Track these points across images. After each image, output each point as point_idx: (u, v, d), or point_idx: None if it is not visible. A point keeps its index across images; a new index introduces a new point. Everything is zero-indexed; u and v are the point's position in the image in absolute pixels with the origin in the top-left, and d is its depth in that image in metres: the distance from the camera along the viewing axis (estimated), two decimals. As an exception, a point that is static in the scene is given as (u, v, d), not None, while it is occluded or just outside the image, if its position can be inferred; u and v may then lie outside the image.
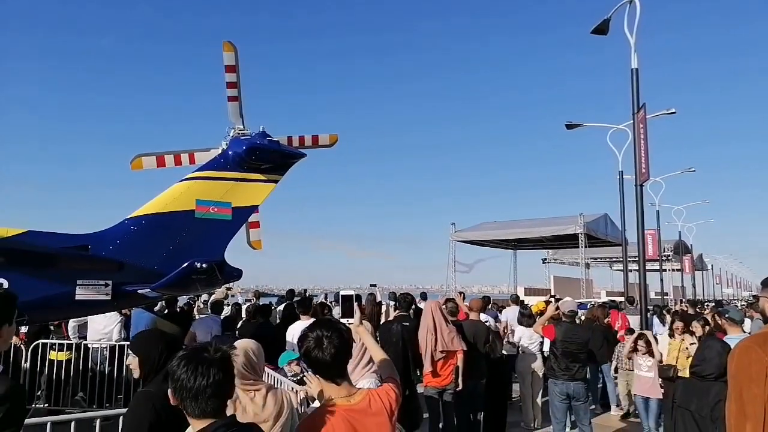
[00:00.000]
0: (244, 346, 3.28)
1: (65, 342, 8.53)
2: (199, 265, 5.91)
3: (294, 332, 7.28)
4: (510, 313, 12.08)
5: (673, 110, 20.28)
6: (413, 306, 8.06)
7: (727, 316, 6.08)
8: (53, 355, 8.54)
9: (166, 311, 9.35)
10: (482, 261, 43.60)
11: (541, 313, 10.72)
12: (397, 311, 7.47)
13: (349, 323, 3.03)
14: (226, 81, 7.23)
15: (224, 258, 7.02)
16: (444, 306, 7.07)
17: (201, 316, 8.93)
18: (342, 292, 3.80)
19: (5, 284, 5.57)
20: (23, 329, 9.01)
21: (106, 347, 8.27)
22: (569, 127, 21.60)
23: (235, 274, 7.25)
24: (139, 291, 6.44)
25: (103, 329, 8.36)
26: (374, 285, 12.31)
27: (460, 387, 6.73)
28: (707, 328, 8.12)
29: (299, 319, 7.46)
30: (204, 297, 13.59)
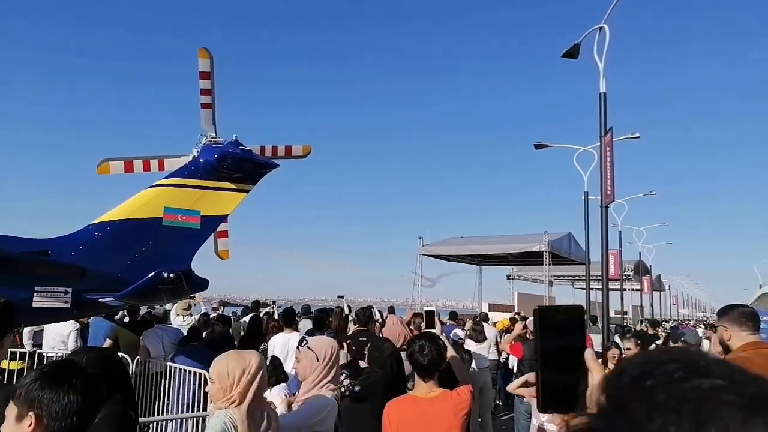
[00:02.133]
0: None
1: (18, 350, 8.17)
2: (166, 274, 5.75)
3: (275, 344, 7.15)
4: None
5: (638, 135, 20.91)
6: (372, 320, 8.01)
7: (683, 339, 6.30)
8: (4, 363, 8.17)
9: (126, 319, 9.07)
10: (446, 276, 43.85)
11: (506, 330, 10.83)
12: (355, 326, 7.41)
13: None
14: (200, 87, 7.13)
15: (191, 267, 6.87)
16: (411, 321, 7.05)
17: (157, 326, 8.67)
18: (425, 308, 5.07)
19: (-43, 289, 5.31)
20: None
21: (63, 356, 7.95)
22: (538, 147, 22.04)
23: (201, 285, 7.09)
24: (100, 299, 6.24)
25: (59, 337, 8.04)
26: (342, 297, 12.20)
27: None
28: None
29: (267, 331, 7.35)
30: (168, 305, 13.24)
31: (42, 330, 8.32)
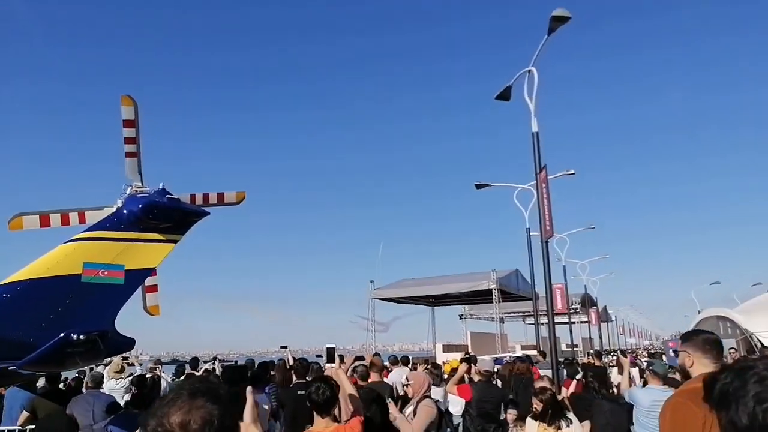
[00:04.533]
0: None
1: None
2: (75, 336, 5.28)
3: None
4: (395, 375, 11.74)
5: (572, 171, 21.70)
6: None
7: (651, 368, 6.33)
8: None
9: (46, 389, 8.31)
10: (399, 318, 43.47)
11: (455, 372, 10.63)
12: (294, 378, 7.07)
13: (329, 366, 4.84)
14: (123, 136, 6.84)
15: (114, 326, 6.39)
16: (353, 368, 6.76)
17: (85, 392, 7.97)
18: (327, 345, 5.52)
19: None
20: None
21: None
22: (479, 186, 22.49)
23: (126, 344, 6.60)
24: (10, 368, 5.67)
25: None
26: (285, 347, 11.71)
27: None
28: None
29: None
30: (99, 369, 12.33)
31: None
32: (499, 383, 11.19)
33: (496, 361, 17.13)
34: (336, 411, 4.42)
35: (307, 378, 7.16)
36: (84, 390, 10.03)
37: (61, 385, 9.70)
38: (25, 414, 7.44)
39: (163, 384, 10.65)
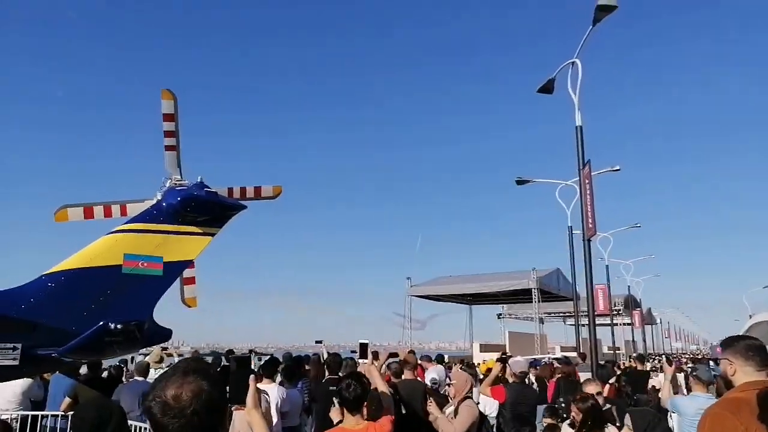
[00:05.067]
0: None
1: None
2: (113, 326, 5.39)
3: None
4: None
5: (618, 167, 21.02)
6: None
7: (694, 374, 6.01)
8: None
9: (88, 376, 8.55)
10: (436, 316, 43.29)
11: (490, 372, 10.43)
12: (327, 374, 7.03)
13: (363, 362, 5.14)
14: (163, 130, 6.93)
15: (152, 316, 6.50)
16: (386, 365, 6.68)
17: (131, 381, 8.19)
18: (360, 341, 5.66)
19: None
20: None
21: (17, 418, 7.44)
22: (519, 182, 22.02)
23: (163, 335, 6.71)
24: (53, 355, 5.83)
25: (11, 396, 7.54)
26: (320, 342, 11.73)
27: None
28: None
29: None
30: (147, 359, 12.68)
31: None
32: (536, 385, 10.92)
33: (534, 362, 16.79)
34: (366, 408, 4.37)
35: (339, 374, 7.11)
36: (124, 379, 10.34)
37: (104, 374, 10.01)
38: (67, 400, 7.67)
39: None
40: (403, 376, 7.57)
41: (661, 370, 13.01)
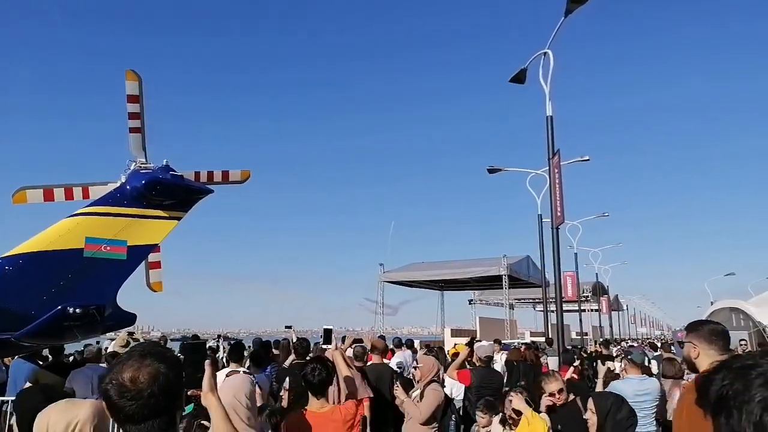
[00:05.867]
0: None
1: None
2: (71, 310, 5.31)
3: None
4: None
5: (587, 158, 21.36)
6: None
7: (629, 358, 6.24)
8: None
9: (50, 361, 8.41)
10: (409, 302, 43.59)
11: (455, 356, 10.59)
12: (293, 359, 7.06)
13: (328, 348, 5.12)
14: (128, 111, 6.80)
15: (115, 300, 6.42)
16: (350, 348, 6.74)
17: (88, 366, 8.06)
18: (324, 326, 5.70)
19: None
20: None
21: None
22: (491, 171, 22.22)
23: (127, 319, 6.63)
24: (11, 339, 5.72)
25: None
26: (289, 327, 11.73)
27: (369, 438, 6.35)
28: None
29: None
30: (106, 344, 12.49)
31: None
32: (504, 369, 11.13)
33: (504, 347, 17.08)
34: (332, 392, 4.41)
35: (306, 358, 7.14)
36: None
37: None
38: (28, 385, 7.55)
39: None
40: (370, 361, 7.65)
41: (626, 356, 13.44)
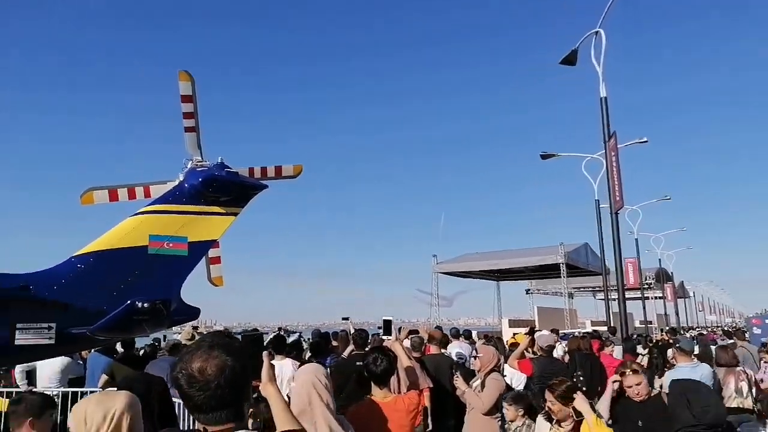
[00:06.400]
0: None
1: (13, 390, 8.00)
2: (140, 304, 5.54)
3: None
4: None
5: (645, 139, 20.51)
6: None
7: (678, 346, 5.93)
8: (2, 404, 8.00)
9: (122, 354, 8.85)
10: (463, 293, 43.22)
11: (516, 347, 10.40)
12: (352, 350, 7.12)
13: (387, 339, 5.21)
14: (182, 111, 7.00)
15: (179, 295, 6.65)
16: (408, 339, 6.73)
17: (164, 357, 8.44)
18: (383, 317, 5.62)
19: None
20: (-30, 378, 8.47)
21: (57, 394, 7.75)
22: (544, 157, 21.68)
23: (191, 313, 6.86)
24: (86, 333, 6.03)
25: (52, 374, 7.85)
26: (347, 319, 11.82)
27: (430, 428, 6.34)
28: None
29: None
30: (176, 338, 13.05)
31: (35, 368, 8.15)
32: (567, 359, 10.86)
33: (563, 336, 16.66)
34: (392, 382, 4.43)
35: (365, 349, 7.19)
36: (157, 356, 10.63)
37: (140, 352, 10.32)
38: (104, 377, 7.96)
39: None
40: (430, 352, 7.63)
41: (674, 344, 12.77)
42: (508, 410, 5.05)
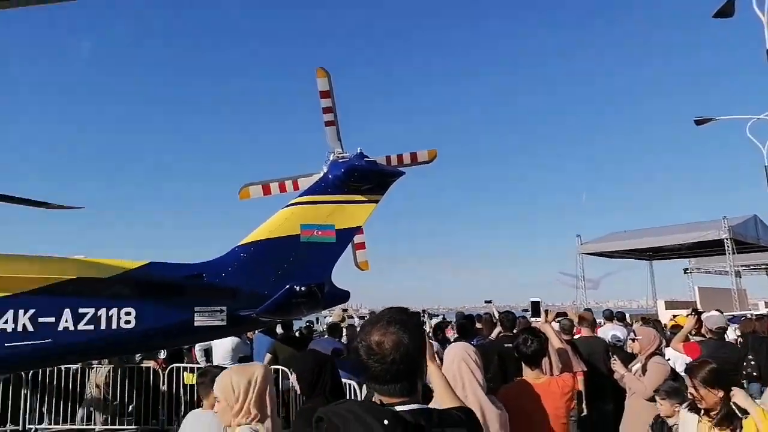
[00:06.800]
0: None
1: (195, 366, 9.11)
2: (298, 288, 6.01)
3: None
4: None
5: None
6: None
7: None
8: (188, 378, 9.18)
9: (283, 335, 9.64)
10: (611, 275, 40.46)
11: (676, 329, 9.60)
12: (499, 332, 7.04)
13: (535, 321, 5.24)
14: (321, 107, 7.39)
15: (330, 280, 7.09)
16: (557, 322, 6.52)
17: (323, 338, 9.11)
18: (531, 299, 5.56)
19: (133, 313, 6.03)
20: (161, 355, 9.78)
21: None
22: (699, 122, 19.53)
23: (342, 296, 7.29)
24: (252, 315, 6.66)
25: (225, 352, 8.80)
26: (489, 302, 11.75)
27: (585, 412, 6.11)
28: None
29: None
30: (329, 320, 13.98)
31: (211, 347, 9.19)
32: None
33: (732, 319, 15.03)
34: (544, 364, 4.32)
35: (513, 331, 7.11)
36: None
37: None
38: (268, 356, 8.76)
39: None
40: (580, 334, 7.33)
41: None
42: (662, 405, 4.56)
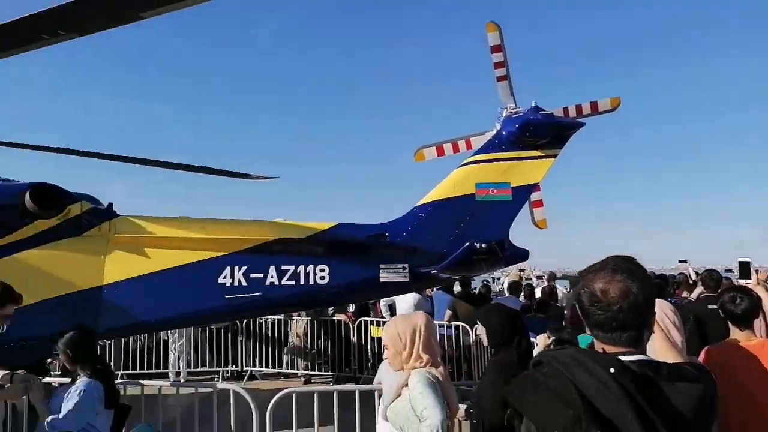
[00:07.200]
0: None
1: (381, 319, 9.78)
2: (478, 245, 6.08)
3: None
4: None
5: None
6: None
7: None
8: (375, 331, 9.91)
9: (461, 293, 9.86)
10: None
11: None
12: (701, 292, 6.35)
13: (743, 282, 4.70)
14: (493, 62, 7.22)
15: (508, 238, 7.04)
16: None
17: (499, 297, 9.15)
18: (739, 258, 5.18)
19: (326, 270, 6.66)
20: (350, 309, 10.65)
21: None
22: None
23: (521, 255, 7.21)
24: (433, 272, 6.93)
25: (407, 307, 9.29)
26: (684, 261, 10.69)
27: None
28: None
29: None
30: (506, 280, 13.95)
31: (394, 302, 9.76)
32: None
33: None
34: (757, 326, 3.93)
35: (717, 291, 6.40)
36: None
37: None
38: (449, 312, 9.07)
39: (560, 294, 11.23)
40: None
41: None
42: None
